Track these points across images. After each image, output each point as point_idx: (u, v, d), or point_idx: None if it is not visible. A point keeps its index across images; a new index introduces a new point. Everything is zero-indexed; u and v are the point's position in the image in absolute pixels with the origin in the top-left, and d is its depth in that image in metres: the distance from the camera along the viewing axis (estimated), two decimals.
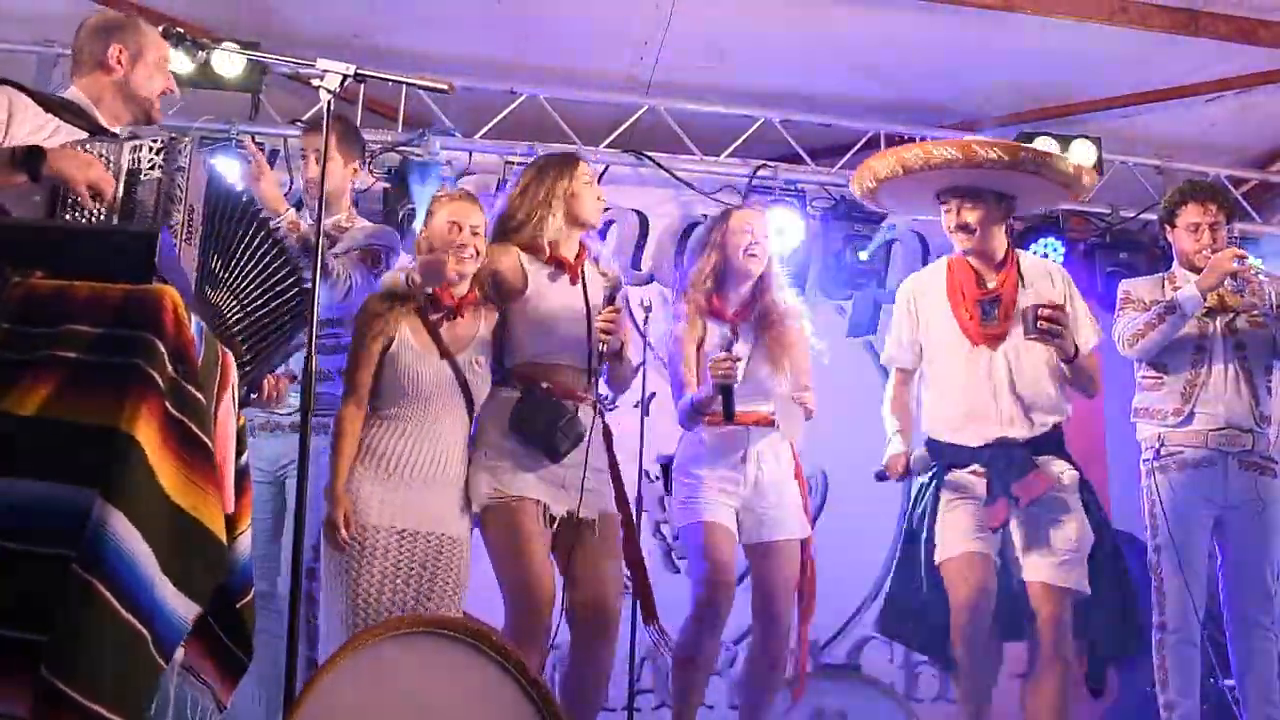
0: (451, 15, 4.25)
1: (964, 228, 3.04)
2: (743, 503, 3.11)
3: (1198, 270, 3.42)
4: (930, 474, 3.09)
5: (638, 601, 3.03)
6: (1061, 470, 3.01)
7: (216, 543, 1.80)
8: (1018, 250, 3.21)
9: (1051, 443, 3.03)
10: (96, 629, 1.57)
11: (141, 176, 2.03)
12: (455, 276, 2.81)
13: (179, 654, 1.97)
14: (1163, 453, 3.49)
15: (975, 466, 2.99)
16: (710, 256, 3.21)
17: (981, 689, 2.95)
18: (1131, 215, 4.96)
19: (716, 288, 3.19)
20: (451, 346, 2.82)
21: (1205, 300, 3.35)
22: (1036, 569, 2.92)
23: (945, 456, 3.06)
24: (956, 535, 2.95)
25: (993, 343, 3.02)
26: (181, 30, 2.70)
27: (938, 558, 2.98)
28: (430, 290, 2.83)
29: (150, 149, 2.04)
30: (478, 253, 2.85)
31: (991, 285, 3.08)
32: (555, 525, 2.81)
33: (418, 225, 4.30)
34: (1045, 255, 4.71)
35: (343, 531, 2.69)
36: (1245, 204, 5.04)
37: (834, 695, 3.58)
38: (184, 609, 1.73)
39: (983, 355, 3.03)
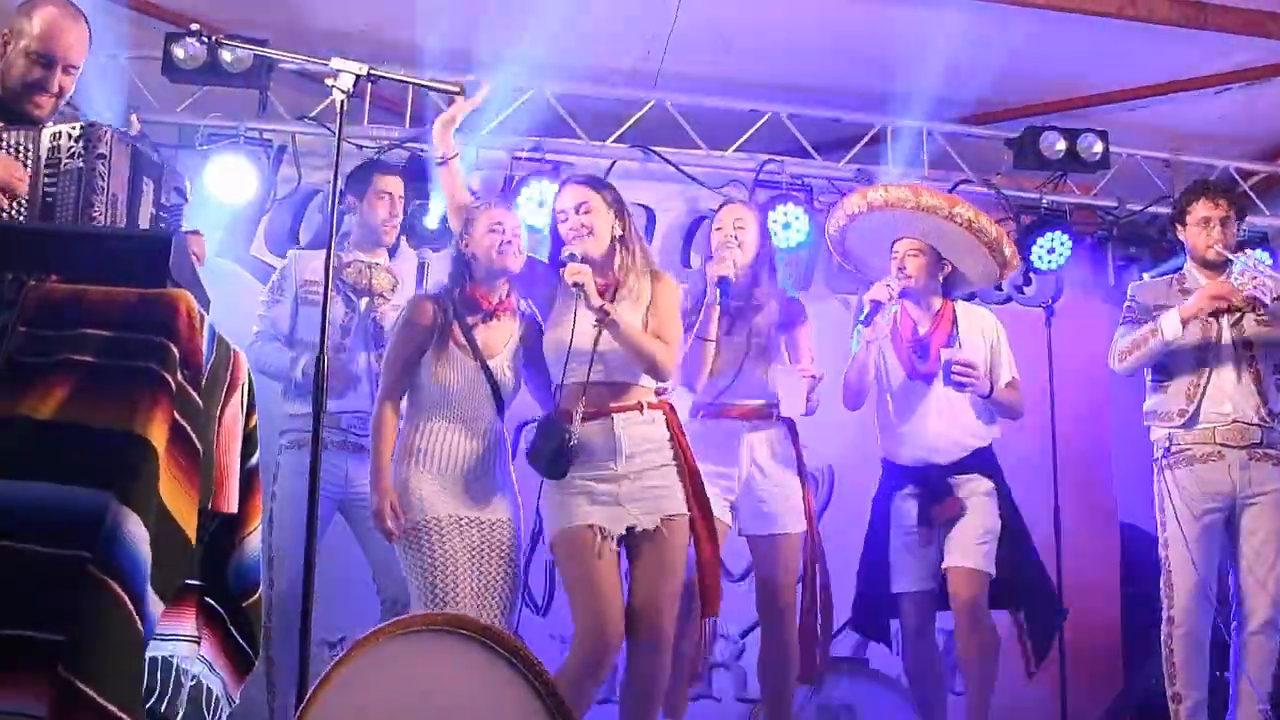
0: (458, 9, 4.24)
1: (901, 270, 3.42)
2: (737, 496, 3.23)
3: (1208, 266, 3.54)
4: (881, 492, 3.52)
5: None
6: (975, 490, 3.40)
7: (187, 544, 1.81)
8: (956, 303, 3.57)
9: (974, 463, 3.43)
10: (111, 629, 1.60)
11: (61, 167, 1.97)
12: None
13: (200, 646, 2.00)
14: (1172, 451, 3.52)
15: (909, 488, 3.43)
16: None
17: (933, 697, 3.45)
18: (1139, 208, 4.94)
19: None
20: (485, 350, 2.88)
21: (1184, 330, 3.42)
22: (951, 555, 3.36)
23: (890, 474, 3.52)
24: (907, 571, 3.42)
25: (924, 379, 3.43)
26: (196, 26, 2.70)
27: (894, 587, 3.43)
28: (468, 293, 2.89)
29: (70, 137, 1.98)
30: (520, 250, 2.95)
31: (923, 332, 3.49)
32: (619, 544, 2.80)
33: (430, 222, 4.32)
34: (1052, 250, 4.75)
35: (389, 523, 2.78)
36: (1254, 196, 5.02)
37: (841, 689, 3.59)
38: (157, 612, 1.74)
39: (917, 389, 3.44)
